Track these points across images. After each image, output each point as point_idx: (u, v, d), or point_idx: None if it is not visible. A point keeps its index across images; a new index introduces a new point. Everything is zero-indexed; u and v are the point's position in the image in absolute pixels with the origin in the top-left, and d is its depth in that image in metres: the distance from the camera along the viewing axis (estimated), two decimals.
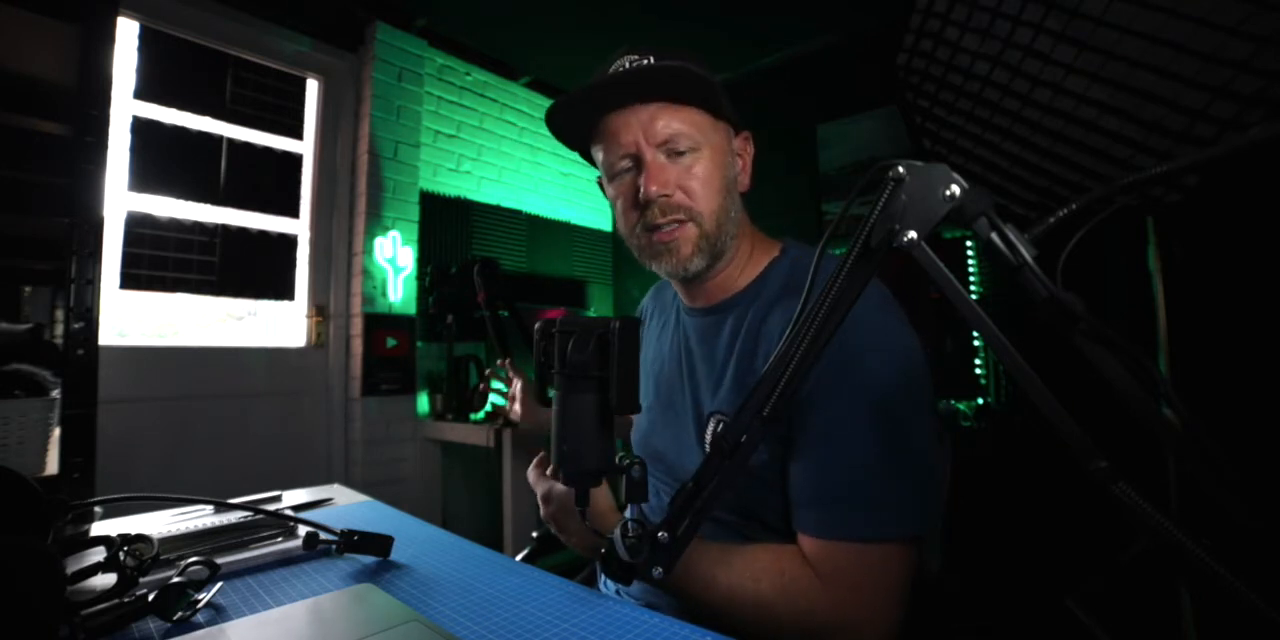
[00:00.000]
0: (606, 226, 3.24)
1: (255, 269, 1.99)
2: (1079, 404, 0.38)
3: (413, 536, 0.75)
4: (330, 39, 2.20)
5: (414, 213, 2.33)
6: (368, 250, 2.17)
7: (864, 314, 0.60)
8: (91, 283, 1.18)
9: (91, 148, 1.20)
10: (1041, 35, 1.02)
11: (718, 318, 0.75)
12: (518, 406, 1.05)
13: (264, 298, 2.05)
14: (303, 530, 0.69)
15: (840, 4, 2.21)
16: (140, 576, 0.55)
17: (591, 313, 3.01)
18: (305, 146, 2.18)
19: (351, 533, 0.66)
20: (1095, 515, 1.50)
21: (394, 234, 2.25)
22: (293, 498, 0.94)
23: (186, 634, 0.49)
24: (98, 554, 0.56)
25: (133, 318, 1.83)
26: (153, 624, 0.51)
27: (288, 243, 2.09)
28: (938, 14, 1.15)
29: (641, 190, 0.67)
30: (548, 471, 0.69)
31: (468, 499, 2.43)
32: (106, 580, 0.53)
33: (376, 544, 0.66)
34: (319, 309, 2.17)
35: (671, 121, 0.67)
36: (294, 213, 2.12)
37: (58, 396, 1.05)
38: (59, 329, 1.22)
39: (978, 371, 1.96)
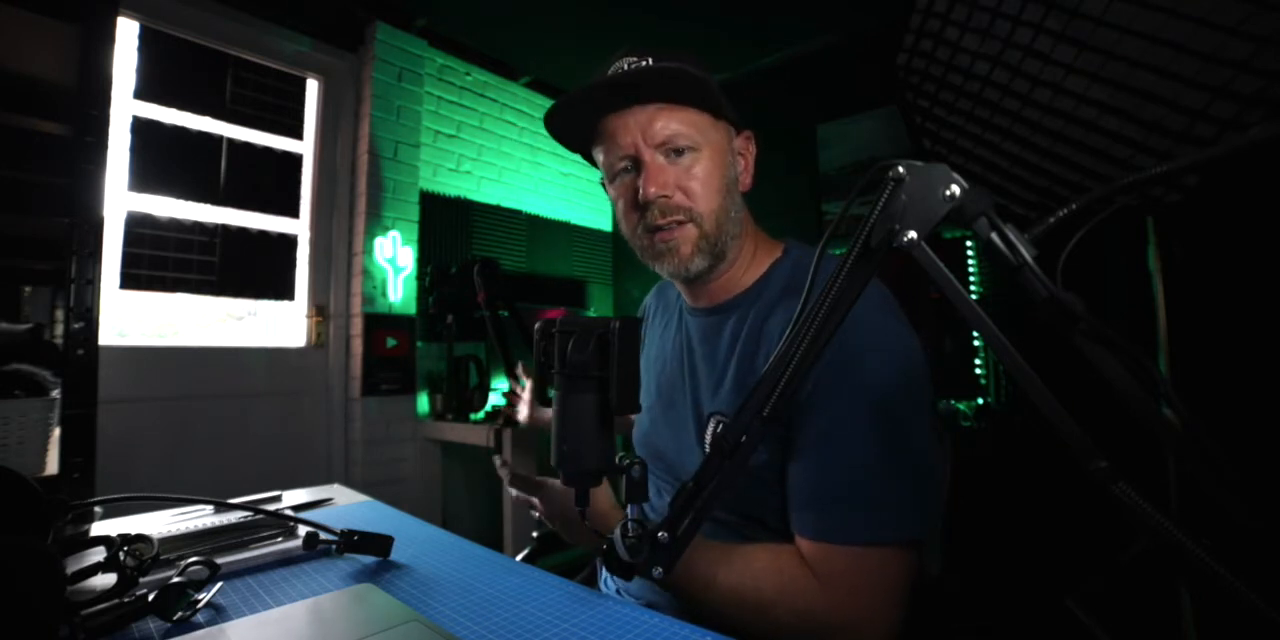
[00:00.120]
0: (606, 226, 3.24)
1: (255, 269, 1.99)
2: (1079, 404, 0.38)
3: (413, 536, 0.75)
4: (330, 39, 2.20)
5: (414, 213, 2.33)
6: (368, 250, 2.17)
7: (864, 314, 0.60)
8: (91, 283, 1.18)
9: (91, 148, 1.20)
10: (1041, 35, 1.02)
11: (720, 318, 0.75)
12: (524, 408, 1.05)
13: (264, 298, 2.05)
14: (303, 530, 0.69)
15: (840, 4, 2.21)
16: (140, 576, 0.55)
17: (591, 313, 3.01)
18: (305, 146, 2.18)
19: (351, 533, 0.66)
20: (1095, 515, 1.50)
21: (394, 234, 2.25)
22: (293, 498, 0.94)
23: (186, 634, 0.49)
24: (98, 554, 0.56)
25: (133, 318, 1.83)
26: (153, 624, 0.51)
27: (288, 243, 2.09)
28: (938, 14, 1.15)
29: (641, 191, 0.68)
30: (540, 475, 0.70)
31: (468, 499, 2.43)
32: (106, 580, 0.53)
33: (376, 544, 0.66)
34: (319, 309, 2.17)
35: (670, 122, 0.67)
36: (294, 213, 2.12)
37: (58, 396, 1.05)
38: (59, 329, 1.22)
39: (978, 371, 1.96)
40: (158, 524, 0.76)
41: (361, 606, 0.53)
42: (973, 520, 1.37)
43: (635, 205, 0.70)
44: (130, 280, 1.72)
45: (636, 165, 0.69)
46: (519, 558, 0.96)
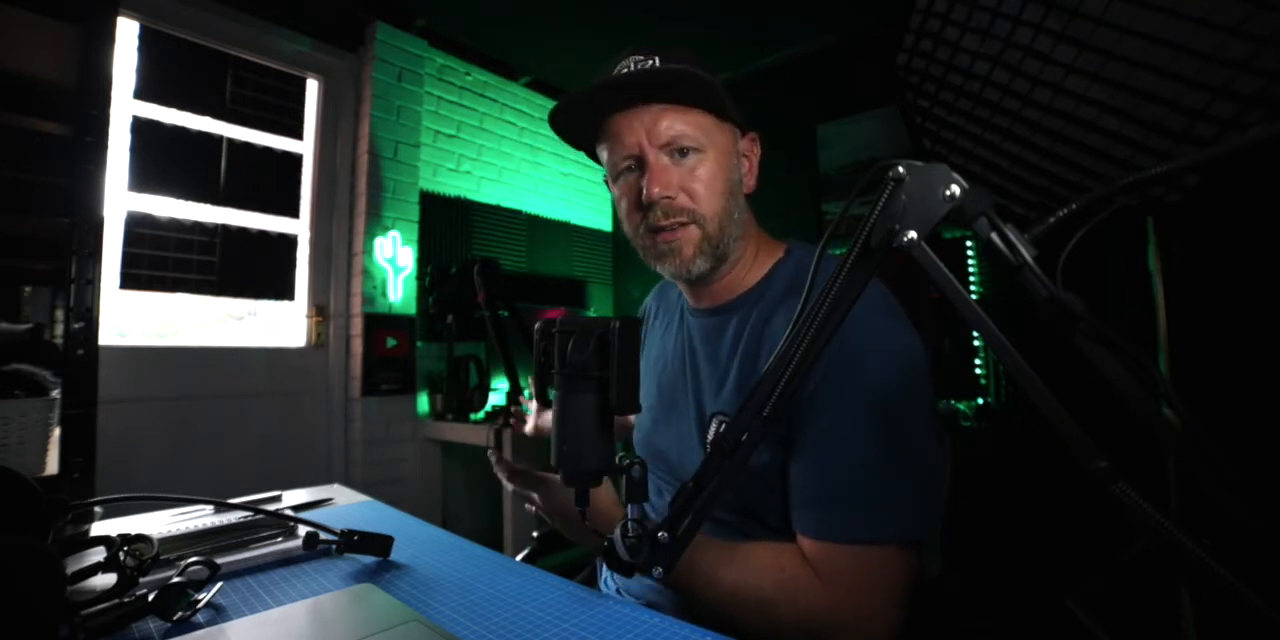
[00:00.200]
0: (606, 226, 3.24)
1: (255, 269, 1.99)
2: (1079, 404, 0.38)
3: (413, 536, 0.75)
4: (330, 39, 2.20)
5: (414, 213, 2.33)
6: (368, 250, 2.17)
7: (864, 314, 0.60)
8: (91, 283, 1.18)
9: (91, 148, 1.20)
10: (1041, 35, 1.02)
11: (722, 318, 0.75)
12: (530, 420, 1.04)
13: (264, 298, 2.05)
14: (303, 530, 0.69)
15: (840, 4, 2.21)
16: (140, 576, 0.55)
17: (591, 313, 3.01)
18: (305, 146, 2.18)
19: (351, 533, 0.66)
20: (1095, 515, 1.50)
21: (394, 234, 2.25)
22: (293, 498, 0.94)
23: (186, 634, 0.49)
24: (98, 554, 0.56)
25: (133, 318, 1.83)
26: (153, 624, 0.51)
27: (288, 243, 2.09)
28: (938, 14, 1.15)
29: (644, 192, 0.68)
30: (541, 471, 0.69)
31: (468, 499, 2.43)
32: (106, 580, 0.53)
33: (376, 544, 0.66)
34: (319, 309, 2.17)
35: (675, 123, 0.67)
36: (294, 213, 2.12)
37: (58, 396, 1.05)
38: (59, 329, 1.22)
39: (978, 371, 1.96)
40: (158, 524, 0.76)
41: (361, 606, 0.53)
42: (973, 520, 1.37)
43: (638, 205, 0.70)
44: (130, 280, 1.72)
45: (641, 165, 0.69)
46: (519, 558, 0.96)
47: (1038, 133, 1.14)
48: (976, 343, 1.97)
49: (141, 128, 1.76)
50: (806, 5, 2.22)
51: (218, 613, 0.54)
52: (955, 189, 0.40)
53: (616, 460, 0.53)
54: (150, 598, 0.51)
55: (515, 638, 0.49)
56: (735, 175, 0.72)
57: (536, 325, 0.55)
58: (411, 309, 2.29)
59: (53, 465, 1.06)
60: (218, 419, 1.87)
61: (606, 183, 0.77)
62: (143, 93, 1.77)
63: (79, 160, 1.19)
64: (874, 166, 0.45)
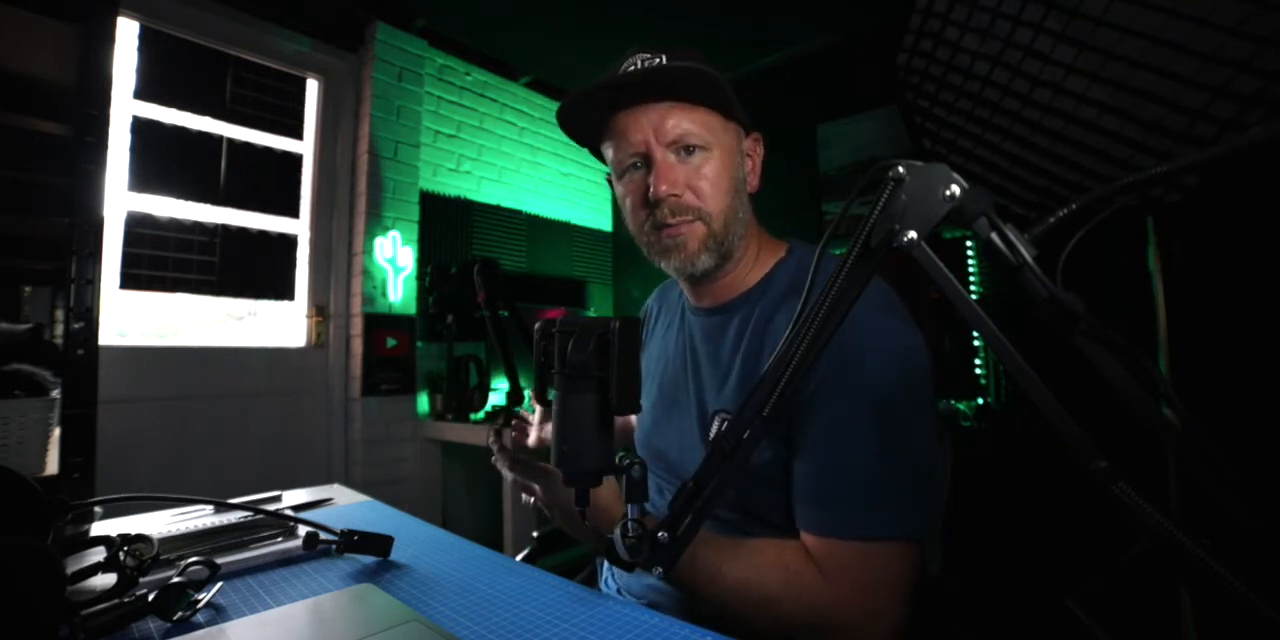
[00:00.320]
0: (606, 226, 3.24)
1: (255, 269, 1.99)
2: (1079, 404, 0.38)
3: (413, 536, 0.75)
4: (330, 39, 2.20)
5: (414, 213, 2.33)
6: (368, 250, 2.17)
7: (865, 314, 0.61)
8: (91, 283, 1.18)
9: (91, 148, 1.20)
10: (1041, 35, 1.02)
11: (724, 317, 0.75)
12: (533, 432, 1.02)
13: (264, 298, 2.05)
14: (303, 530, 0.69)
15: (840, 4, 2.20)
16: (140, 576, 0.55)
17: (591, 313, 3.01)
18: (305, 146, 2.18)
19: (351, 533, 0.66)
20: (1095, 515, 1.50)
21: (394, 234, 2.25)
22: (293, 498, 0.94)
23: (186, 634, 0.49)
24: (98, 554, 0.56)
25: (133, 318, 1.83)
26: (153, 624, 0.51)
27: (288, 243, 2.09)
28: (938, 14, 1.15)
29: (651, 189, 0.68)
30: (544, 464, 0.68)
31: (468, 499, 2.43)
32: (106, 580, 0.53)
33: (376, 544, 0.66)
34: (319, 309, 2.17)
35: (681, 121, 0.67)
36: (294, 213, 2.12)
37: (58, 396, 1.05)
38: (59, 329, 1.22)
39: (978, 371, 1.96)
40: (158, 524, 0.76)
41: (361, 606, 0.53)
42: (973, 520, 1.37)
43: (644, 202, 0.70)
44: (130, 280, 1.72)
45: (647, 163, 0.69)
46: (519, 558, 0.96)
47: (1038, 133, 1.14)
48: (976, 343, 1.97)
49: (141, 128, 1.76)
50: (806, 5, 2.22)
51: (218, 613, 0.54)
52: (955, 189, 0.40)
53: (617, 460, 0.53)
54: (150, 598, 0.51)
55: (515, 638, 0.49)
56: (740, 174, 0.72)
57: (536, 325, 0.55)
58: (411, 309, 2.29)
59: (53, 465, 1.06)
60: (218, 419, 1.87)
61: (609, 181, 0.77)
62: (143, 93, 1.77)
63: (79, 160, 1.19)
64: (874, 166, 0.45)
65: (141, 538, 0.59)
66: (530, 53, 2.62)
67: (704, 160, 0.69)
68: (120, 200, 1.71)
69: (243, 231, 1.97)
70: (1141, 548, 0.34)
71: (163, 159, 1.80)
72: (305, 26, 2.12)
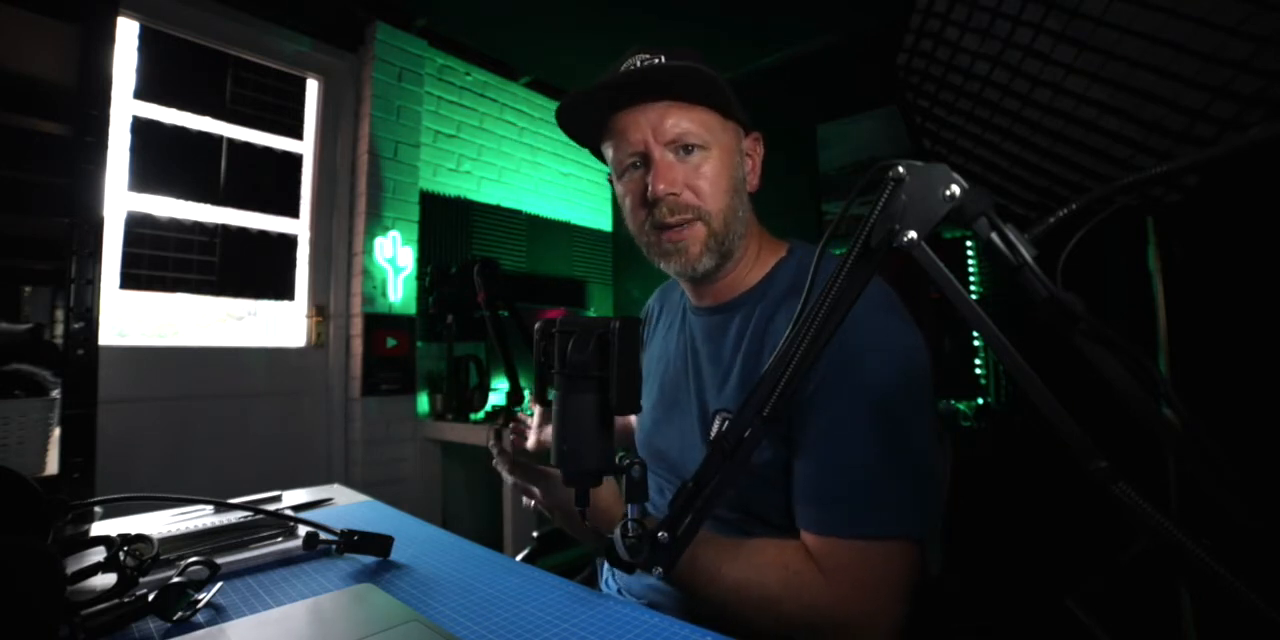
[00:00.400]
0: (606, 226, 3.24)
1: (255, 269, 1.99)
2: (1079, 404, 0.38)
3: (413, 536, 0.75)
4: (330, 39, 2.20)
5: (414, 213, 2.33)
6: (368, 250, 2.17)
7: (865, 314, 0.61)
8: (91, 283, 1.18)
9: (91, 148, 1.20)
10: (1041, 35, 1.02)
11: (725, 317, 0.75)
12: (532, 435, 1.02)
13: (264, 298, 2.05)
14: (303, 530, 0.69)
15: (840, 4, 2.20)
16: (140, 576, 0.55)
17: (591, 313, 3.01)
18: (305, 146, 2.18)
19: (351, 533, 0.66)
20: (1095, 515, 1.50)
21: (394, 234, 2.25)
22: (293, 498, 0.94)
23: (186, 634, 0.49)
24: (98, 554, 0.56)
25: (133, 318, 1.83)
26: (153, 624, 0.51)
27: (288, 243, 2.09)
28: (938, 14, 1.15)
29: (650, 188, 0.68)
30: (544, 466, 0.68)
31: (468, 499, 2.43)
32: (106, 580, 0.53)
33: (376, 544, 0.66)
34: (319, 309, 2.17)
35: (681, 120, 0.68)
36: (294, 213, 2.12)
37: (58, 396, 1.05)
38: (59, 329, 1.22)
39: (978, 371, 1.96)
40: (158, 524, 0.76)
41: (361, 606, 0.53)
42: (973, 520, 1.37)
43: (643, 202, 0.70)
44: (130, 280, 1.72)
45: (646, 162, 0.69)
46: (519, 558, 0.96)
47: (1038, 133, 1.14)
48: (976, 343, 1.97)
49: (141, 128, 1.76)
50: (806, 5, 2.22)
51: (218, 613, 0.54)
52: (955, 189, 0.40)
53: (617, 460, 0.53)
54: (150, 598, 0.51)
55: (515, 638, 0.49)
56: (739, 173, 0.73)
57: (536, 325, 0.55)
58: (411, 309, 2.29)
59: (53, 465, 1.06)
60: (218, 419, 1.87)
61: (610, 181, 0.77)
62: (143, 93, 1.77)
63: (79, 160, 1.19)
64: (874, 166, 0.45)
65: (141, 538, 0.59)
66: (530, 53, 2.62)
67: (703, 159, 0.69)
68: (120, 200, 1.71)
69: (243, 231, 1.97)
70: (1141, 548, 0.34)
71: (163, 159, 1.80)
72: (305, 26, 2.12)
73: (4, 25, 1.16)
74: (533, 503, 0.70)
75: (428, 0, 2.24)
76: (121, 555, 0.55)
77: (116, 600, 0.51)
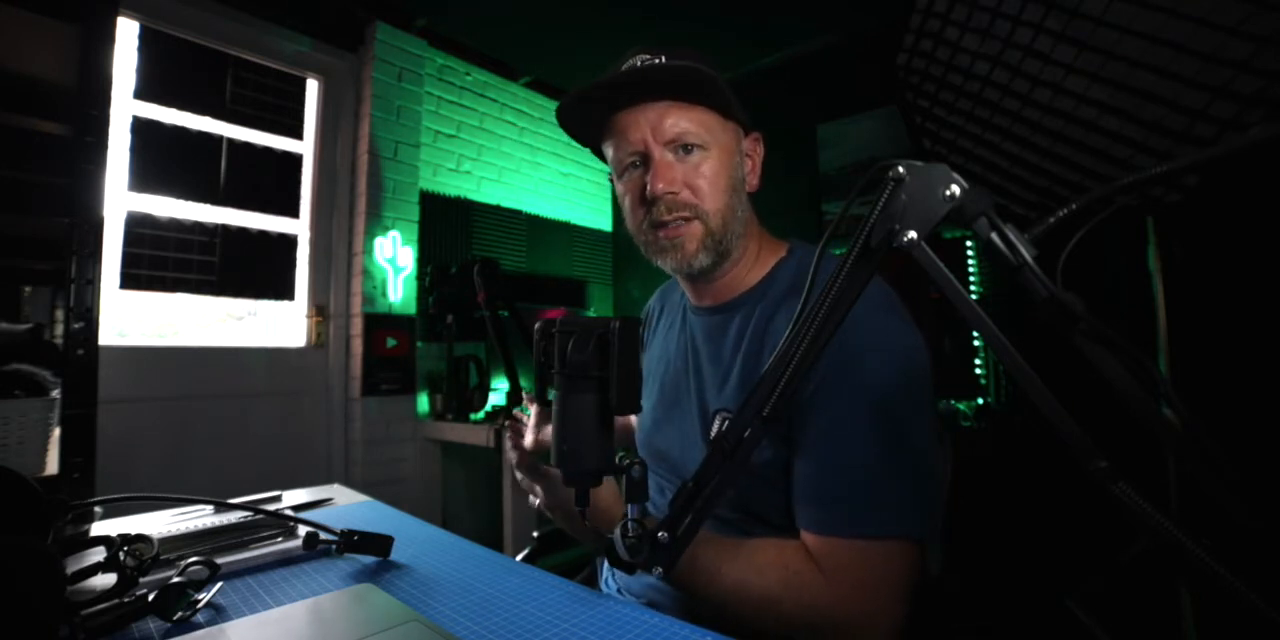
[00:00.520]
0: (606, 226, 3.24)
1: (255, 269, 1.99)
2: (1079, 404, 0.38)
3: (413, 536, 0.75)
4: (330, 39, 2.20)
5: (414, 213, 2.33)
6: (368, 250, 2.17)
7: (865, 314, 0.61)
8: (91, 283, 1.18)
9: (91, 148, 1.20)
10: (1041, 35, 1.02)
11: (725, 316, 0.75)
12: (529, 435, 1.00)
13: (264, 298, 2.05)
14: (303, 530, 0.69)
15: (840, 4, 2.20)
16: (140, 576, 0.55)
17: (591, 313, 3.01)
18: (305, 146, 2.18)
19: (351, 533, 0.66)
20: (1095, 515, 1.50)
21: (394, 234, 2.25)
22: (293, 498, 0.94)
23: (186, 634, 0.49)
24: (98, 554, 0.56)
25: (133, 318, 1.83)
26: (153, 624, 0.51)
27: (288, 243, 2.09)
28: (938, 14, 1.15)
29: (648, 187, 0.68)
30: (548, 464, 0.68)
31: (468, 499, 2.43)
32: (106, 580, 0.53)
33: (376, 544, 0.66)
34: (319, 309, 2.17)
35: (680, 120, 0.68)
36: (294, 213, 2.12)
37: (58, 396, 1.05)
38: (59, 329, 1.22)
39: (978, 371, 1.96)
40: (158, 524, 0.76)
41: (361, 606, 0.53)
42: (973, 520, 1.37)
43: (642, 200, 0.70)
44: (130, 280, 1.72)
45: (645, 161, 0.69)
46: (519, 558, 0.96)
47: (1038, 133, 1.14)
48: (976, 343, 1.97)
49: (141, 128, 1.76)
50: (806, 5, 2.22)
51: (218, 613, 0.54)
52: (955, 189, 0.40)
53: (617, 460, 0.53)
54: (150, 598, 0.51)
55: (515, 638, 0.49)
56: (738, 173, 0.73)
57: (536, 325, 0.55)
58: (411, 309, 2.29)
59: (53, 465, 1.06)
60: (218, 419, 1.87)
61: (611, 180, 0.77)
62: (143, 93, 1.77)
63: (79, 160, 1.19)
64: (874, 166, 0.45)
65: (141, 538, 0.59)
66: (530, 53, 2.62)
67: (702, 159, 0.69)
68: (120, 200, 1.71)
69: (243, 231, 1.97)
70: (1141, 548, 0.34)
71: (163, 159, 1.80)
72: (305, 26, 2.12)
73: (4, 25, 1.16)
74: (538, 502, 0.70)
75: (428, 0, 2.24)
76: (121, 555, 0.55)
77: (116, 600, 0.51)
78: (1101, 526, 1.47)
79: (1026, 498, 1.67)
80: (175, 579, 0.53)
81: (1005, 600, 1.59)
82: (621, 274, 3.23)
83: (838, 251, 0.54)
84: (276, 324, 2.15)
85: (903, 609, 0.57)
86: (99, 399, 1.17)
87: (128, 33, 1.74)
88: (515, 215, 2.75)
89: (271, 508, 0.85)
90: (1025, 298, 0.38)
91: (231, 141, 1.96)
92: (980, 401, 1.94)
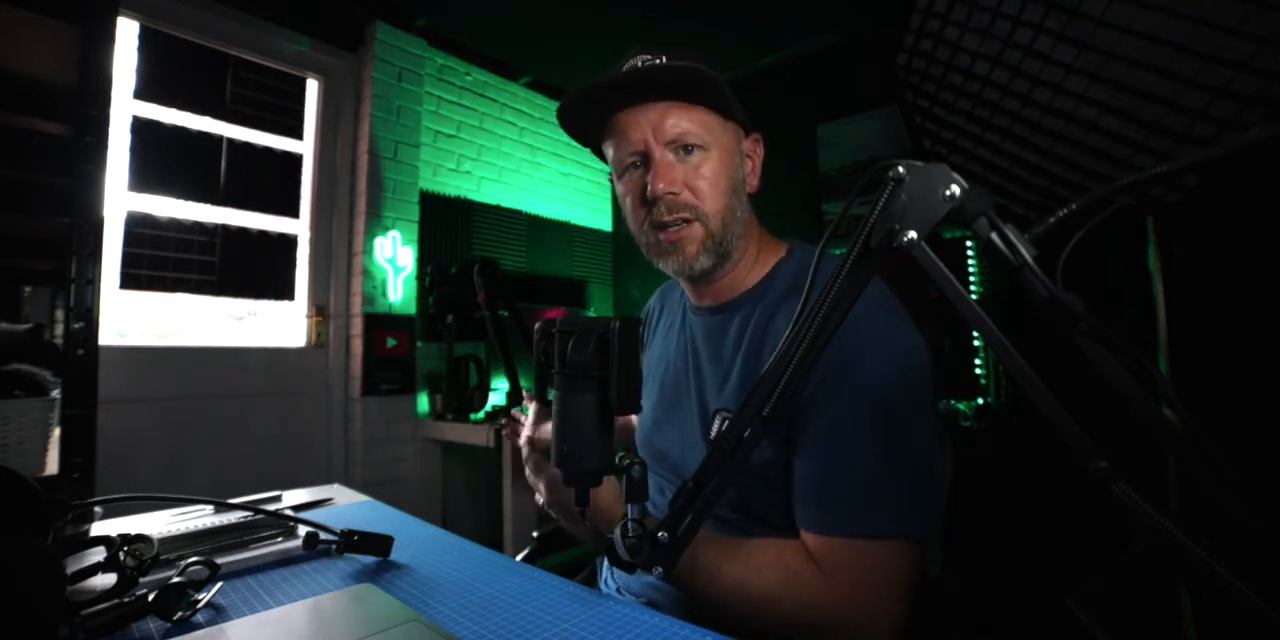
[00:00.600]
0: (606, 226, 3.24)
1: (255, 269, 1.99)
2: (1079, 404, 0.38)
3: (413, 536, 0.75)
4: (330, 39, 2.20)
5: (414, 213, 2.33)
6: (368, 250, 2.17)
7: (865, 314, 0.61)
8: (91, 283, 1.18)
9: (91, 148, 1.20)
10: (1041, 35, 1.02)
11: (725, 317, 0.75)
12: (526, 431, 0.99)
13: (264, 298, 2.05)
14: (303, 530, 0.69)
15: (840, 4, 2.21)
16: (140, 576, 0.55)
17: (591, 313, 3.01)
18: (305, 146, 2.18)
19: (351, 533, 0.66)
20: (1095, 515, 1.50)
21: (394, 234, 2.25)
22: (293, 498, 0.94)
23: (186, 634, 0.49)
24: (98, 554, 0.56)
25: (133, 318, 1.83)
26: (153, 624, 0.51)
27: (288, 243, 2.09)
28: (938, 14, 1.15)
29: (649, 188, 0.68)
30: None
31: (468, 499, 2.43)
32: (106, 580, 0.53)
33: (376, 544, 0.66)
34: (319, 309, 2.17)
35: (680, 120, 0.68)
36: (294, 213, 2.12)
37: (58, 396, 1.05)
38: (59, 329, 1.22)
39: (978, 371, 1.96)
40: (158, 524, 0.76)
41: (361, 606, 0.53)
42: (973, 520, 1.37)
43: (643, 201, 0.70)
44: (130, 280, 1.72)
45: (646, 162, 0.70)
46: (519, 558, 0.96)
47: (1038, 133, 1.14)
48: (976, 343, 1.97)
49: (141, 128, 1.76)
50: (806, 5, 2.22)
51: (218, 613, 0.54)
52: (955, 189, 0.40)
53: (617, 460, 0.53)
54: (150, 598, 0.51)
55: (515, 638, 0.49)
56: (739, 174, 0.73)
57: (536, 325, 0.55)
58: (411, 309, 2.29)
59: (53, 465, 1.06)
60: (218, 419, 1.87)
61: (611, 180, 0.77)
62: (143, 93, 1.77)
63: (79, 160, 1.19)
64: (874, 166, 0.45)
65: (141, 538, 0.59)
66: (530, 53, 2.62)
67: (702, 160, 0.69)
68: (120, 200, 1.71)
69: (243, 231, 1.97)
70: (1141, 548, 0.34)
71: (163, 159, 1.80)
72: (305, 26, 2.12)
73: (4, 25, 1.16)
74: (540, 500, 0.70)
75: (428, 0, 2.24)
76: (121, 555, 0.55)
77: (116, 600, 0.51)
78: (1101, 526, 1.47)
79: (1026, 498, 1.67)
80: (175, 579, 0.53)
81: (1005, 600, 1.59)
82: (621, 274, 3.23)
83: (838, 251, 0.54)
84: (276, 324, 2.15)
85: (903, 609, 0.57)
86: (99, 399, 1.17)
87: (128, 33, 1.74)
88: (515, 215, 2.75)
89: (271, 508, 0.85)
90: (1025, 298, 0.38)
91: (231, 141, 1.96)
92: (980, 401, 1.94)
